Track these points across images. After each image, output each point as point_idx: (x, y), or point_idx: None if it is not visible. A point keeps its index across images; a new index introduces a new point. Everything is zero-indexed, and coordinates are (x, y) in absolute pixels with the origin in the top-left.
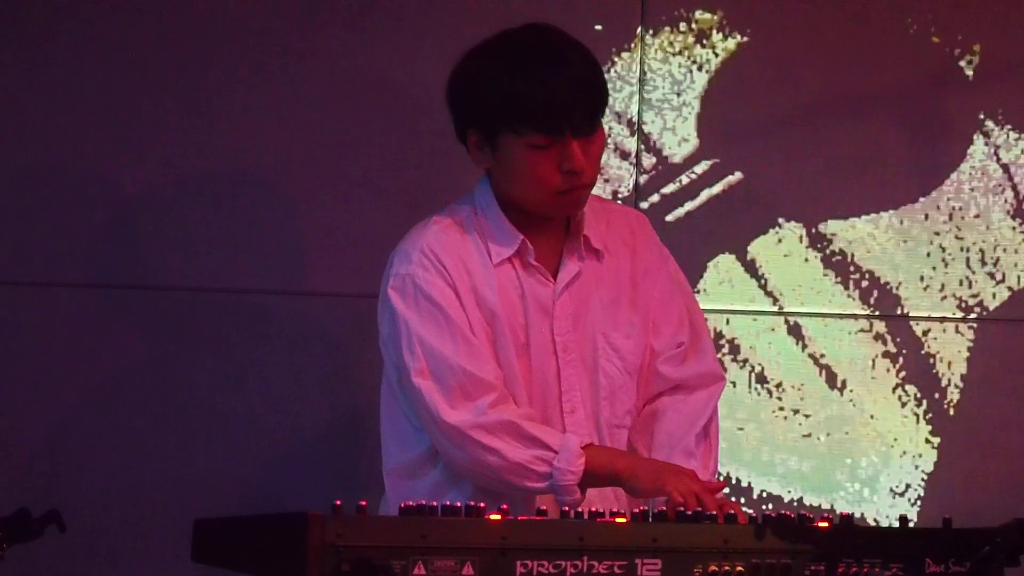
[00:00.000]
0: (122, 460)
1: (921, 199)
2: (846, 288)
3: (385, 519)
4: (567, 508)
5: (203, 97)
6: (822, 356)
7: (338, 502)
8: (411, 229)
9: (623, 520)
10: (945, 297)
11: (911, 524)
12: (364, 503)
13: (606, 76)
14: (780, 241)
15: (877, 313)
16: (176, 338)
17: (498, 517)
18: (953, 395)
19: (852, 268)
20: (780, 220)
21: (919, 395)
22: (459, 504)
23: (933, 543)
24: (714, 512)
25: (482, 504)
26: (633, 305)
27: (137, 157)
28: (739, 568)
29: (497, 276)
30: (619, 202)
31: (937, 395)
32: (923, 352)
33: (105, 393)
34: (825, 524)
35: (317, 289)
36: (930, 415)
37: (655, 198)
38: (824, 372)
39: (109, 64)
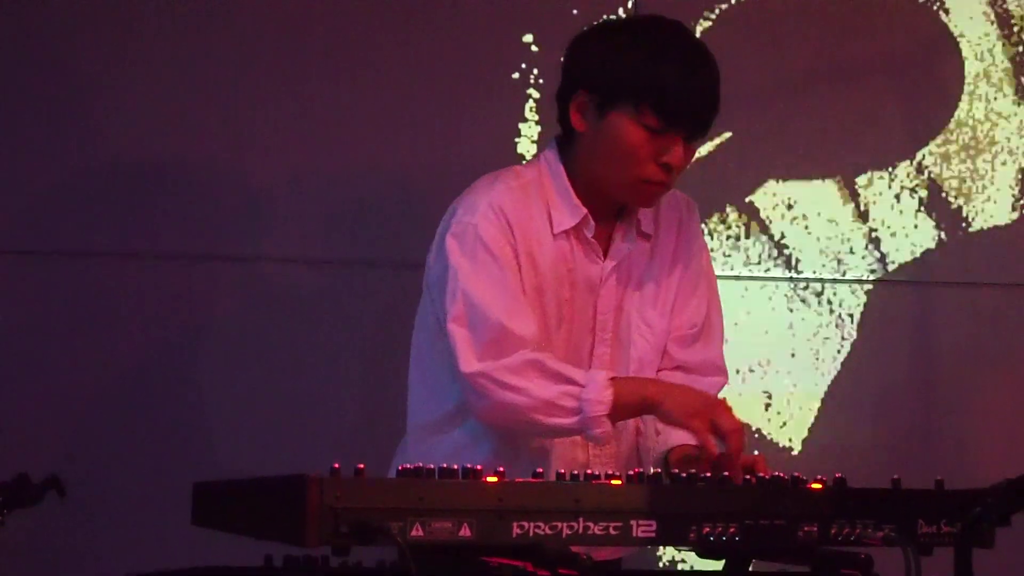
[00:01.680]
0: (121, 424)
1: (913, 163)
2: (841, 251)
3: (383, 481)
4: (563, 471)
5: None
6: (817, 321)
7: (336, 465)
8: (476, 182)
9: (618, 482)
10: (935, 261)
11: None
12: (362, 466)
13: None
14: (775, 206)
15: (871, 277)
16: (175, 309)
17: (495, 479)
18: (944, 358)
19: (841, 232)
20: (770, 183)
21: (911, 358)
22: (456, 467)
23: (925, 504)
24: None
25: (480, 467)
26: (669, 286)
27: (145, 129)
28: (732, 529)
29: (553, 247)
30: None
31: (929, 358)
32: (913, 316)
33: (105, 359)
34: (818, 486)
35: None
36: (922, 378)
37: None
38: (814, 337)
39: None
